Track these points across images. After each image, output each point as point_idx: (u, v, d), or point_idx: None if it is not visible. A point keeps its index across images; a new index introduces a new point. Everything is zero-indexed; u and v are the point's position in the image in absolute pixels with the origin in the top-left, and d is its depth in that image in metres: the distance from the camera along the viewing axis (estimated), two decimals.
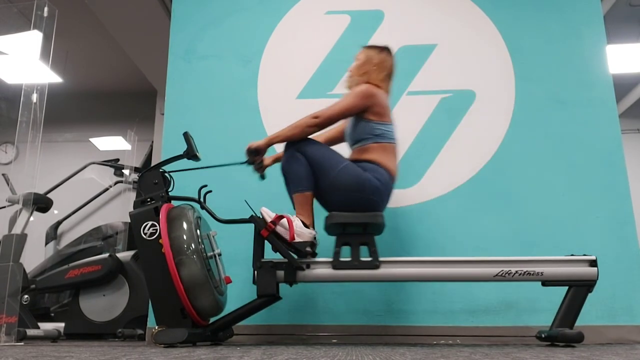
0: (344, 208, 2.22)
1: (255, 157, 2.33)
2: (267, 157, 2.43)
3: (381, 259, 2.20)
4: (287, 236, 2.16)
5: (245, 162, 2.36)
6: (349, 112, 2.30)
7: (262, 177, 2.47)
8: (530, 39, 3.03)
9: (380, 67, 2.40)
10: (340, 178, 2.20)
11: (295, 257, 2.20)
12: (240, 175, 2.86)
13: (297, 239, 2.16)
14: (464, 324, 2.64)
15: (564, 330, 2.04)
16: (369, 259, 2.20)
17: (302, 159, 2.22)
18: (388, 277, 2.22)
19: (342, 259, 2.20)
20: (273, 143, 2.29)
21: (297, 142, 2.25)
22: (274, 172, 2.89)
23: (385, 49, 2.46)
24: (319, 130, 2.29)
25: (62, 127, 6.49)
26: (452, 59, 3.04)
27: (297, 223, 2.19)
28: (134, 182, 5.75)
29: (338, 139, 2.56)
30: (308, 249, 2.18)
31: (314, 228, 2.24)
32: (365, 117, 2.30)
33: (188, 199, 2.39)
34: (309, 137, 2.29)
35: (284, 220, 2.18)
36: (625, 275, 2.65)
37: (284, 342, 2.60)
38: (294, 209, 2.28)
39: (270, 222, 2.17)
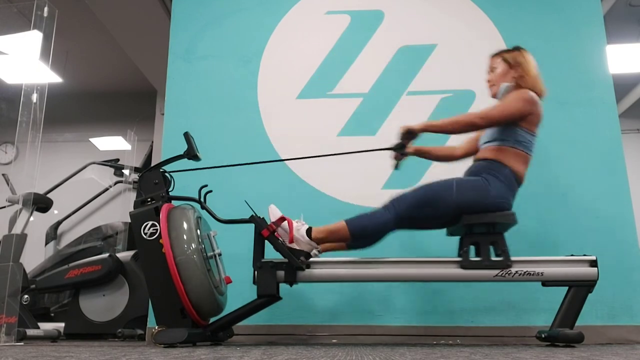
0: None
1: (408, 140, 2.24)
2: (411, 146, 2.36)
3: (376, 258, 2.19)
4: (286, 239, 2.16)
5: (396, 145, 2.27)
6: (514, 116, 2.19)
7: (398, 166, 2.39)
8: (530, 39, 3.03)
9: (531, 67, 2.30)
10: (462, 197, 2.13)
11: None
12: (240, 176, 2.86)
13: (294, 245, 2.14)
14: (464, 324, 2.64)
15: (564, 331, 2.04)
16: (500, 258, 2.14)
17: (388, 217, 2.13)
18: (386, 277, 2.22)
19: (472, 259, 2.15)
20: (429, 130, 2.20)
21: (400, 198, 2.17)
22: (274, 172, 2.90)
23: (520, 48, 2.37)
24: (478, 130, 2.24)
25: (62, 127, 6.49)
26: (452, 59, 3.04)
27: (300, 230, 2.16)
28: (134, 182, 5.75)
29: (474, 151, 2.44)
30: (302, 258, 2.14)
31: (319, 249, 2.17)
32: (518, 122, 2.21)
33: (188, 199, 2.39)
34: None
35: (285, 223, 2.17)
36: (625, 275, 2.65)
37: (284, 342, 2.60)
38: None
39: (272, 223, 2.17)
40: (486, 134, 2.33)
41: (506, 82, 2.31)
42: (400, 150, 2.30)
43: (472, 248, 2.21)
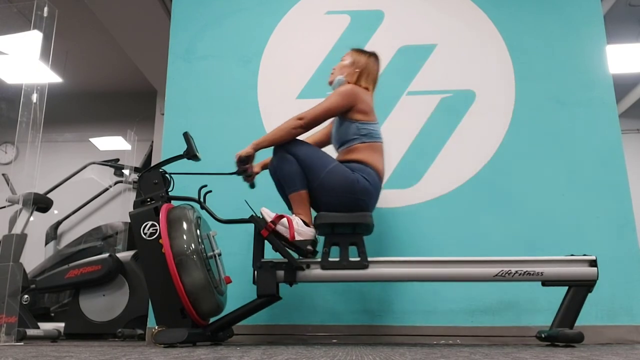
0: (333, 208, 2.22)
1: (246, 165, 2.31)
2: (255, 164, 2.42)
3: (370, 258, 2.20)
4: (287, 235, 2.17)
5: (236, 172, 2.35)
6: (334, 111, 2.30)
7: (252, 185, 2.47)
8: (530, 39, 3.03)
9: (366, 71, 2.41)
10: (329, 179, 2.20)
11: (296, 256, 2.20)
12: (240, 176, 2.86)
13: (298, 238, 2.17)
14: (464, 324, 2.64)
15: (564, 330, 2.04)
16: (358, 259, 2.20)
17: (292, 160, 2.23)
18: (385, 277, 2.22)
19: (331, 259, 2.20)
20: (260, 148, 2.27)
21: (286, 144, 2.25)
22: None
23: (373, 55, 2.47)
24: (304, 132, 2.29)
25: (62, 127, 6.49)
26: (452, 59, 3.04)
27: (297, 222, 2.19)
28: (134, 182, 5.75)
29: (325, 142, 2.57)
30: (309, 247, 2.18)
31: (313, 226, 2.25)
32: (350, 117, 2.30)
33: (188, 199, 2.39)
34: (297, 138, 2.29)
35: (284, 220, 2.19)
36: (625, 275, 2.65)
37: (284, 342, 2.60)
38: (290, 209, 2.29)
39: (270, 221, 2.17)
40: (334, 139, 2.42)
41: (342, 75, 2.41)
42: (243, 175, 2.38)
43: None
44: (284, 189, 2.28)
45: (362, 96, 2.32)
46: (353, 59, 2.43)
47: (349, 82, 2.38)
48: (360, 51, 2.48)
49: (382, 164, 2.32)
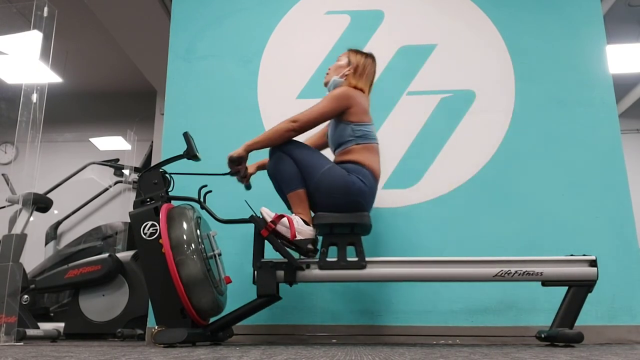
0: (329, 209, 2.22)
1: (238, 166, 2.31)
2: (250, 165, 2.43)
3: (368, 258, 2.20)
4: (288, 235, 2.17)
5: (228, 173, 2.35)
6: (327, 115, 2.30)
7: (248, 187, 2.47)
8: (530, 39, 3.03)
9: (362, 72, 2.40)
10: (324, 180, 2.20)
11: (296, 256, 2.20)
12: (234, 177, 2.86)
13: (299, 237, 2.17)
14: (464, 324, 2.64)
15: (563, 330, 2.04)
16: (356, 259, 2.20)
17: (289, 160, 2.23)
18: (384, 277, 2.23)
19: (328, 259, 2.20)
20: (252, 149, 2.28)
21: (282, 144, 2.26)
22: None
23: (370, 56, 2.46)
24: (297, 135, 2.28)
25: (62, 127, 6.49)
26: (452, 59, 3.04)
27: (297, 221, 2.20)
28: (134, 182, 5.75)
29: (322, 144, 2.56)
30: (310, 245, 2.19)
31: (313, 225, 2.25)
32: (345, 119, 2.30)
33: (188, 199, 2.39)
34: (294, 139, 2.29)
35: (285, 220, 2.18)
36: (625, 275, 2.65)
37: (283, 342, 2.60)
38: (289, 209, 2.29)
39: (271, 221, 2.17)
40: (330, 141, 2.42)
41: (338, 76, 2.41)
42: (236, 176, 2.38)
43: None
44: (282, 189, 2.28)
45: (357, 98, 2.31)
46: (349, 59, 2.43)
47: (343, 84, 2.38)
48: (357, 52, 2.47)
49: (377, 165, 2.32)
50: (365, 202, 2.24)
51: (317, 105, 2.30)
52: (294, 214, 2.24)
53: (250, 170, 2.45)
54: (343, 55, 2.47)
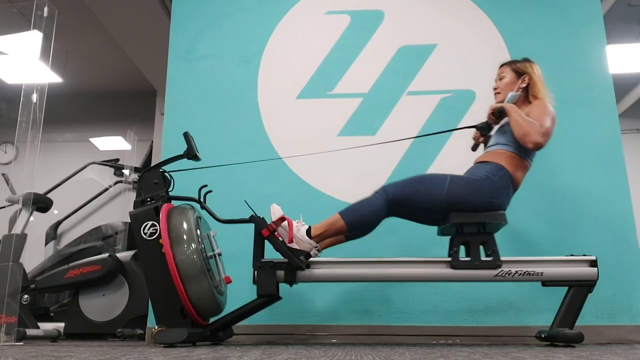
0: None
1: (498, 121, 2.28)
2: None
3: (369, 259, 2.19)
4: (285, 239, 2.16)
5: (481, 124, 2.33)
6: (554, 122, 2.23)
7: (475, 148, 2.48)
8: (530, 39, 3.03)
9: (539, 78, 2.35)
10: (453, 192, 2.14)
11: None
12: (240, 176, 2.87)
13: (294, 245, 2.14)
14: (464, 324, 2.64)
15: (564, 330, 2.04)
16: (490, 258, 2.15)
17: (379, 205, 2.16)
18: (385, 277, 2.22)
19: (462, 259, 2.15)
20: (510, 115, 2.21)
21: (394, 185, 2.19)
22: (274, 172, 2.90)
23: (529, 60, 2.41)
24: (541, 145, 2.17)
25: (62, 127, 6.49)
26: (452, 59, 3.04)
27: (300, 230, 2.15)
28: (134, 182, 5.75)
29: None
30: (302, 257, 2.13)
31: (319, 247, 2.17)
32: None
33: (188, 199, 2.39)
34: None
35: (285, 223, 2.17)
36: (625, 275, 2.65)
37: (284, 342, 2.60)
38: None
39: (272, 222, 2.17)
40: (491, 139, 2.38)
41: (512, 91, 2.35)
42: (485, 132, 2.35)
43: (463, 248, 2.21)
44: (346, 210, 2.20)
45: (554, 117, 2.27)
46: (515, 72, 2.36)
47: (528, 95, 2.33)
48: (516, 61, 2.41)
49: (520, 177, 2.25)
50: (499, 202, 2.16)
51: (547, 120, 2.19)
52: (301, 222, 2.19)
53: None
54: (503, 72, 2.40)
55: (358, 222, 2.17)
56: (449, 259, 2.18)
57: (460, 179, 2.20)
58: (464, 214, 2.16)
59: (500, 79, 2.41)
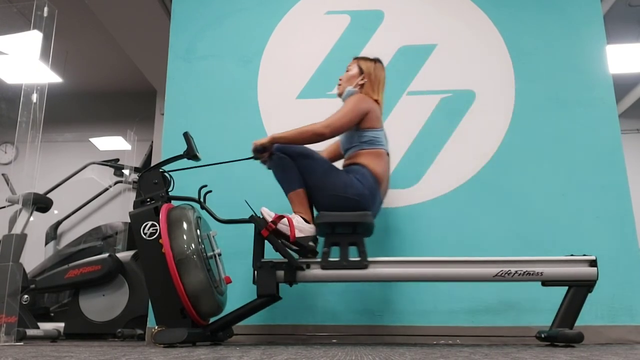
0: (330, 209, 2.23)
1: (262, 154, 2.33)
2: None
3: (370, 259, 2.20)
4: (289, 234, 2.17)
5: (252, 157, 2.36)
6: (354, 121, 2.31)
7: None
8: (530, 39, 3.03)
9: (375, 79, 2.45)
10: (324, 179, 2.23)
11: (296, 256, 2.20)
12: (240, 175, 2.87)
13: (299, 235, 2.18)
14: (464, 324, 2.64)
15: (564, 330, 2.04)
16: (358, 259, 2.20)
17: (287, 160, 2.25)
18: (385, 277, 2.22)
19: (330, 259, 2.20)
20: (277, 142, 2.29)
21: (282, 146, 2.27)
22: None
23: (378, 61, 2.50)
24: (323, 140, 2.31)
25: (62, 127, 6.49)
26: (452, 59, 3.04)
27: (297, 219, 2.21)
28: (134, 182, 5.75)
29: (338, 155, 2.57)
30: (311, 243, 2.20)
31: (313, 223, 2.25)
32: (355, 126, 2.33)
33: (188, 199, 2.39)
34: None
35: (285, 220, 2.19)
36: (625, 275, 2.65)
37: (284, 342, 2.60)
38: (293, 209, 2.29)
39: (271, 222, 2.17)
40: (341, 145, 2.46)
41: (351, 85, 2.44)
42: (261, 161, 2.38)
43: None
44: (283, 189, 2.29)
45: (370, 104, 2.35)
46: (360, 68, 2.46)
47: (360, 92, 2.42)
48: (366, 59, 2.50)
49: (380, 168, 2.31)
50: (364, 202, 2.24)
51: (343, 112, 2.30)
52: (294, 213, 2.24)
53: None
54: (352, 65, 2.50)
55: (298, 178, 2.25)
56: (451, 258, 2.17)
57: (337, 172, 2.28)
58: (334, 214, 2.22)
59: (347, 71, 2.50)
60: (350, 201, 2.21)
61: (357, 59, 2.52)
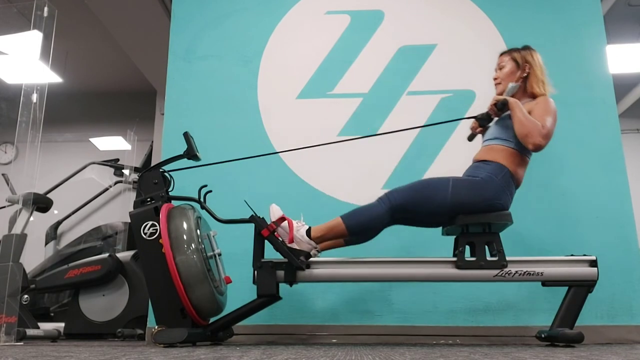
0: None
1: (501, 113, 2.25)
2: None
3: (369, 259, 2.19)
4: (285, 239, 2.16)
5: (482, 115, 2.29)
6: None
7: (471, 138, 2.45)
8: (530, 39, 3.01)
9: (540, 68, 2.33)
10: (457, 195, 2.13)
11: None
12: (240, 175, 2.87)
13: (294, 245, 2.14)
14: (464, 324, 2.64)
15: (564, 330, 2.04)
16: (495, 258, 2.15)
17: (382, 209, 2.15)
18: (385, 277, 2.22)
19: (467, 259, 2.15)
20: (513, 111, 2.18)
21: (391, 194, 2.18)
22: (273, 172, 2.90)
23: (529, 48, 2.38)
24: (535, 141, 2.13)
25: (62, 127, 6.49)
26: (452, 59, 3.04)
27: (299, 230, 2.15)
28: (134, 182, 5.75)
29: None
30: (302, 258, 2.13)
31: (319, 248, 2.17)
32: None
33: (188, 198, 2.39)
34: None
35: (285, 223, 2.17)
36: (625, 275, 2.65)
37: (284, 342, 2.60)
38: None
39: (272, 222, 2.17)
40: (489, 132, 2.35)
41: (513, 81, 2.33)
42: (484, 123, 2.32)
43: (468, 248, 2.21)
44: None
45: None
46: (515, 61, 2.34)
47: (526, 87, 2.31)
48: (516, 50, 2.38)
49: (521, 174, 2.24)
50: (502, 202, 2.15)
51: (549, 118, 2.18)
52: (301, 222, 2.20)
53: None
54: (504, 60, 2.38)
55: (359, 227, 2.16)
56: (454, 259, 2.17)
57: (463, 182, 2.19)
58: (471, 216, 2.15)
59: (500, 69, 2.39)
60: (491, 205, 2.14)
61: (506, 53, 2.40)
